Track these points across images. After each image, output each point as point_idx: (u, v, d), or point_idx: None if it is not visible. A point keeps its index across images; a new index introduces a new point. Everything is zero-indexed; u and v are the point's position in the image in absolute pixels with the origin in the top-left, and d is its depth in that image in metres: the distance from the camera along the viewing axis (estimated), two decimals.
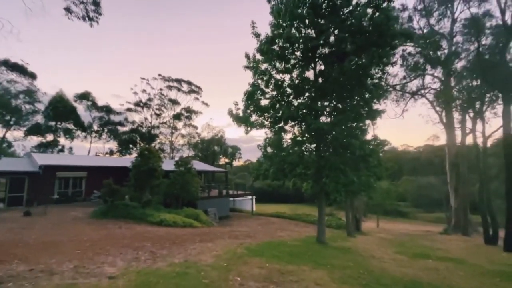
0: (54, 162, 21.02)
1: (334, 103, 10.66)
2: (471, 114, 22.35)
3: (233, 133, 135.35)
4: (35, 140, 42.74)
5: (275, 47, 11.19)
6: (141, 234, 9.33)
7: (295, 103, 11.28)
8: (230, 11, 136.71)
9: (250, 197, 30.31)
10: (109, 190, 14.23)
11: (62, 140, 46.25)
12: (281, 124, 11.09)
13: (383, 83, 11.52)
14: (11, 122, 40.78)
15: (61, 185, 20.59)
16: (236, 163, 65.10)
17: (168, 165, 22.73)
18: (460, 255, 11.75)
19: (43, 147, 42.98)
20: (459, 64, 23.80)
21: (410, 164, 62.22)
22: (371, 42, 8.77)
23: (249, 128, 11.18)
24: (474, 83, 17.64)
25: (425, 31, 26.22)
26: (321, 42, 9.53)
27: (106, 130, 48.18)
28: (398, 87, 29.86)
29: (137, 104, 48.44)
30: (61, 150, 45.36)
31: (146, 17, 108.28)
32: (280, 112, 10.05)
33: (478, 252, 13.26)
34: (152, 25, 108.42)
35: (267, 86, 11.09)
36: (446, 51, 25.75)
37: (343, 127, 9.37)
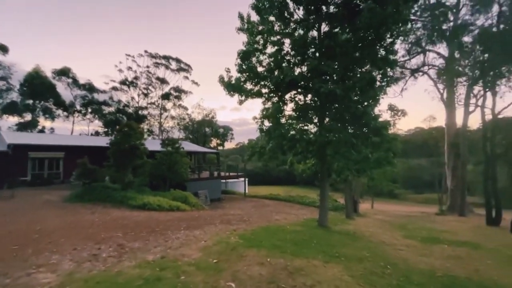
0: (25, 140, 19.01)
1: (342, 67, 9.08)
2: (475, 91, 21.36)
3: (226, 116, 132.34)
4: (12, 120, 39.84)
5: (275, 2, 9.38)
6: (115, 221, 7.89)
7: (297, 70, 9.70)
8: None
9: (242, 179, 29.19)
10: (84, 171, 12.57)
11: (42, 121, 43.41)
12: (281, 94, 9.52)
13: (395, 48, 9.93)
14: None
15: (35, 166, 18.70)
16: (228, 145, 63.57)
17: (154, 145, 21.08)
18: (470, 238, 10.91)
19: (22, 128, 40.19)
20: (465, 38, 22.49)
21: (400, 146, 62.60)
22: None
23: (243, 98, 9.56)
24: (486, 55, 16.29)
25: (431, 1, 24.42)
26: None
27: (90, 110, 45.27)
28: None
29: (122, 82, 45.26)
30: (42, 131, 42.67)
31: None
32: (282, 76, 8.41)
33: (486, 234, 12.55)
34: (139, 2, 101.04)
35: (264, 47, 9.37)
36: (451, 24, 24.22)
37: (357, 93, 7.89)
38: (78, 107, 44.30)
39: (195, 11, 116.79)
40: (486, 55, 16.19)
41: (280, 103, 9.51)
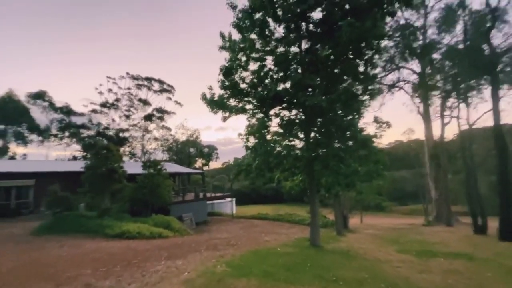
0: None
1: (325, 82, 9.11)
2: (449, 104, 22.53)
3: (210, 136, 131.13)
4: None
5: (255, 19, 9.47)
6: (85, 255, 7.00)
7: (281, 85, 9.64)
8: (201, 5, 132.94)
9: (229, 199, 28.29)
10: (55, 199, 11.49)
11: (13, 147, 40.99)
12: (265, 109, 9.32)
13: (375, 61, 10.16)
14: None
15: (1, 196, 17.09)
16: (213, 165, 62.39)
17: (136, 168, 20.09)
18: (462, 249, 10.78)
19: None
20: (435, 55, 24.06)
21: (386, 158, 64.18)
22: (371, 4, 7.34)
23: (227, 114, 9.28)
24: (455, 70, 17.31)
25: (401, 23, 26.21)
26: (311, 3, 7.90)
27: (67, 133, 43.33)
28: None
29: (103, 105, 43.80)
30: (13, 158, 40.18)
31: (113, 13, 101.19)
32: (265, 92, 8.26)
33: (476, 243, 12.50)
34: (119, 22, 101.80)
35: (247, 63, 9.29)
36: (421, 42, 25.94)
37: (342, 105, 7.80)
38: (54, 131, 42.34)
39: (177, 31, 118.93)
40: (456, 70, 17.19)
41: (265, 118, 9.29)
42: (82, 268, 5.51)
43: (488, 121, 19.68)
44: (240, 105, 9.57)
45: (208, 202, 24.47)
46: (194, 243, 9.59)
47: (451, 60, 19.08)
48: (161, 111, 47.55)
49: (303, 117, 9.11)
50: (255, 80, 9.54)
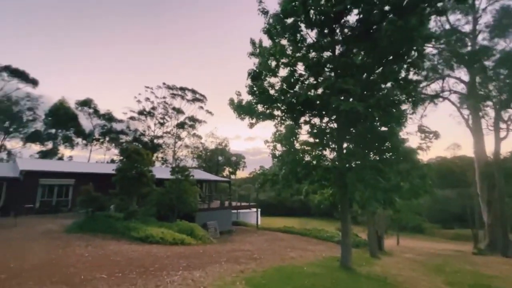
0: (37, 167, 19.06)
1: (361, 87, 8.35)
2: (506, 116, 19.87)
3: (240, 146, 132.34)
4: (34, 149, 41.69)
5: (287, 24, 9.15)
6: (106, 257, 6.96)
7: (312, 92, 9.08)
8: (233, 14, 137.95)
9: (255, 209, 27.71)
10: (87, 198, 11.98)
11: (62, 149, 45.08)
12: (295, 116, 8.80)
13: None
14: (11, 129, 39.85)
15: (45, 193, 18.50)
16: (241, 174, 62.48)
17: (164, 173, 20.60)
18: None
19: (43, 156, 41.82)
20: (486, 62, 21.60)
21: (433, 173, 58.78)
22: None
23: (254, 120, 8.93)
24: None
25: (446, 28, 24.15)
26: (347, 3, 7.33)
27: (107, 138, 46.77)
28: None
29: (140, 112, 46.88)
30: (61, 159, 44.13)
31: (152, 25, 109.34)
32: (295, 98, 7.78)
33: None
34: (157, 32, 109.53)
35: (277, 68, 8.94)
36: (469, 48, 23.54)
37: (381, 112, 6.97)
38: (96, 136, 45.90)
39: (209, 41, 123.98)
40: None
41: (295, 125, 8.77)
42: (99, 271, 5.38)
43: None
44: (268, 111, 9.18)
45: (233, 211, 24.17)
46: (215, 253, 9.19)
47: (508, 68, 16.90)
48: (193, 119, 49.34)
49: (335, 126, 8.42)
50: (284, 87, 9.14)
